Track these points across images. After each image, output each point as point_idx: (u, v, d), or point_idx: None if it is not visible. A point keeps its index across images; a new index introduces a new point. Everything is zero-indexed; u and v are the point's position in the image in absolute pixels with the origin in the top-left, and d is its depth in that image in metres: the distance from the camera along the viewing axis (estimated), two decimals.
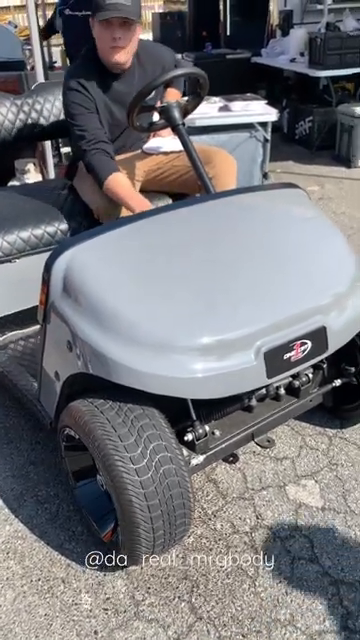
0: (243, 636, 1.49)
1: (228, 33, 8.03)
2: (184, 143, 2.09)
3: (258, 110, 3.93)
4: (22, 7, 17.25)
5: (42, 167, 3.89)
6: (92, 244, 1.65)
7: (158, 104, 2.25)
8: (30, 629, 1.53)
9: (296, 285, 1.62)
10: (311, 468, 2.00)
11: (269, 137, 4.00)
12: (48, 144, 3.62)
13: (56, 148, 3.73)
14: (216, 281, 1.59)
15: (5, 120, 2.60)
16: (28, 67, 4.57)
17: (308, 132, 5.78)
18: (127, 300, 1.52)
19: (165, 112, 2.13)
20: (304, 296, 1.60)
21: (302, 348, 1.55)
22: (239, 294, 1.56)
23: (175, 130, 2.13)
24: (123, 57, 2.18)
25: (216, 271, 1.63)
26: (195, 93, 2.25)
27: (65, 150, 3.90)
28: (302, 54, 5.95)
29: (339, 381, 1.97)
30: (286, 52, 6.18)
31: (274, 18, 7.36)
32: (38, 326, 2.37)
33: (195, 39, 7.69)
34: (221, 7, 7.86)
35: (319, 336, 1.58)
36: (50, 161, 3.69)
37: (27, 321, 2.34)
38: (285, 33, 6.55)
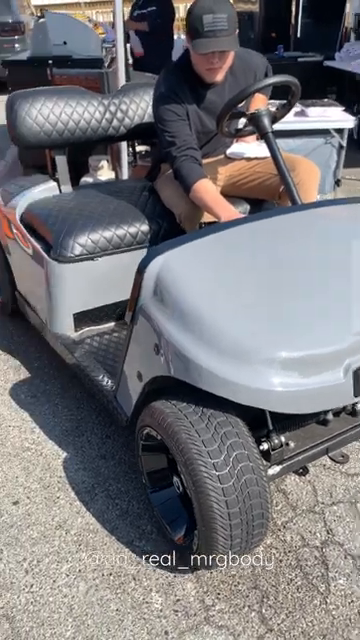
0: None
1: (298, 35, 7.93)
2: (272, 151, 2.08)
3: (335, 116, 3.88)
4: (93, 4, 17.56)
5: (115, 165, 3.95)
6: (185, 250, 1.66)
7: (247, 110, 2.25)
8: (102, 623, 1.56)
9: None
10: None
11: (344, 144, 3.93)
12: (124, 143, 3.67)
13: (131, 146, 3.77)
14: (304, 295, 1.58)
15: (92, 119, 2.65)
16: (105, 64, 4.64)
17: None
18: (217, 308, 1.53)
19: (255, 120, 2.12)
20: None
21: None
22: (329, 310, 1.55)
23: (264, 138, 2.12)
24: (219, 77, 2.21)
25: (304, 285, 1.61)
26: (286, 100, 2.24)
27: (140, 149, 3.94)
28: None
29: None
30: None
31: (349, 21, 7.22)
32: (113, 323, 2.44)
33: (264, 40, 7.63)
34: (293, 8, 7.76)
35: None
36: (125, 160, 3.73)
37: (104, 318, 2.38)
38: None
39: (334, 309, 1.56)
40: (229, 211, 2.04)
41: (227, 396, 1.45)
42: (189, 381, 1.50)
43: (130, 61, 6.48)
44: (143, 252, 2.38)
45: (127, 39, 5.09)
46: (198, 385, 1.48)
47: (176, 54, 5.68)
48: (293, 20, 7.89)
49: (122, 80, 3.53)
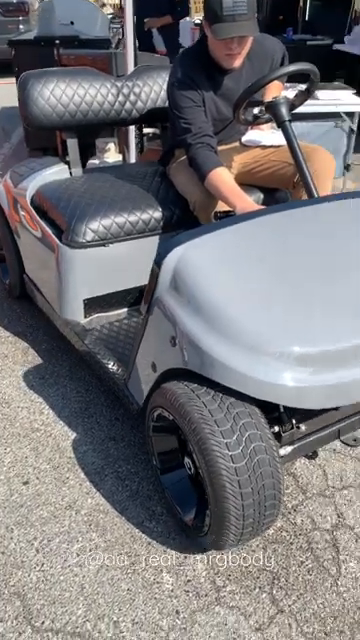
0: (325, 634, 1.48)
1: (307, 18, 7.83)
2: (289, 140, 2.04)
3: (346, 100, 3.82)
4: None
5: (123, 147, 3.91)
6: (202, 242, 1.64)
7: (263, 97, 2.21)
8: (114, 602, 1.56)
9: None
10: None
11: (355, 128, 3.88)
12: (132, 126, 3.62)
13: (139, 128, 3.73)
14: (320, 290, 1.56)
15: (105, 101, 2.61)
16: (113, 45, 4.58)
17: None
18: (233, 301, 1.51)
19: (272, 108, 2.08)
20: None
21: None
22: (344, 305, 1.53)
23: (281, 126, 2.08)
24: (238, 62, 2.17)
25: (320, 279, 1.59)
26: (304, 87, 2.19)
27: (147, 131, 3.90)
28: None
29: None
30: None
31: (359, 4, 7.10)
32: (124, 309, 2.42)
33: (271, 23, 7.51)
34: None
35: None
36: (132, 143, 3.69)
37: (114, 304, 2.37)
38: None
39: (351, 304, 1.54)
40: (245, 201, 2.01)
41: (239, 389, 1.45)
42: (204, 374, 1.49)
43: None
44: (155, 239, 2.36)
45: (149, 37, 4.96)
46: (212, 377, 1.47)
47: (182, 37, 5.59)
48: (301, 3, 7.78)
49: (131, 61, 3.48)
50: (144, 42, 4.68)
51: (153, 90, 2.74)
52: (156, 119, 2.91)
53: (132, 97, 2.67)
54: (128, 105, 2.68)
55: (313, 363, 1.44)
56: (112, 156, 3.99)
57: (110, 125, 2.80)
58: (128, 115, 2.69)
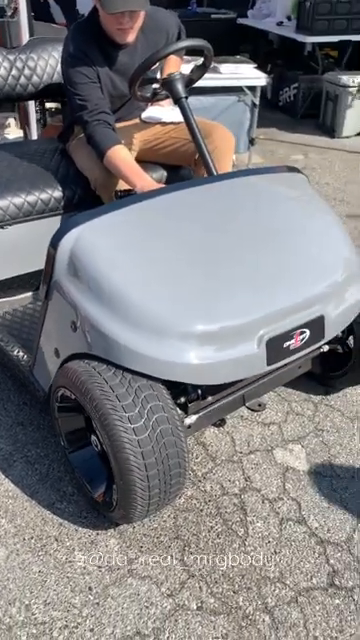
0: (234, 592, 1.54)
1: None
2: (186, 117, 2.03)
3: (248, 74, 3.87)
4: None
5: (24, 123, 3.76)
6: (99, 223, 1.61)
7: (162, 73, 2.18)
8: (25, 585, 1.54)
9: (297, 273, 1.63)
10: (297, 433, 2.04)
11: (257, 102, 3.94)
12: (31, 101, 3.48)
13: (40, 103, 3.59)
14: (221, 267, 1.59)
15: None
16: (8, 13, 4.35)
17: (293, 99, 5.72)
18: (132, 283, 1.51)
19: (168, 85, 2.05)
20: (305, 285, 1.62)
21: (301, 337, 1.58)
22: (244, 282, 1.57)
23: (178, 103, 2.06)
24: (131, 37, 2.11)
25: (220, 257, 1.62)
26: (200, 62, 2.18)
27: (49, 105, 3.77)
28: (289, 18, 5.85)
29: (327, 347, 2.00)
30: (273, 15, 6.06)
31: None
32: (28, 294, 2.35)
33: None
34: None
35: (317, 325, 1.61)
36: (33, 118, 3.56)
37: (18, 289, 2.29)
38: None
39: (251, 280, 1.58)
40: (144, 180, 1.99)
41: (145, 371, 1.46)
42: (109, 358, 1.48)
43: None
44: (56, 220, 2.29)
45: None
46: (117, 361, 1.47)
47: (80, 3, 5.41)
48: None
49: (25, 31, 3.34)
50: (41, 12, 4.49)
51: (49, 64, 2.63)
52: (54, 94, 2.81)
53: (27, 71, 2.56)
54: (23, 80, 2.57)
55: (216, 340, 1.47)
56: (13, 132, 3.83)
57: (5, 101, 2.68)
58: (24, 90, 2.58)
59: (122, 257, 1.57)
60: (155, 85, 2.18)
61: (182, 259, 1.59)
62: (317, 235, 1.78)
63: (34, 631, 1.44)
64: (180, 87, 2.05)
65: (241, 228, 1.74)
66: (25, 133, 3.71)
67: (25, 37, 3.31)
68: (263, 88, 4.61)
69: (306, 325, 1.58)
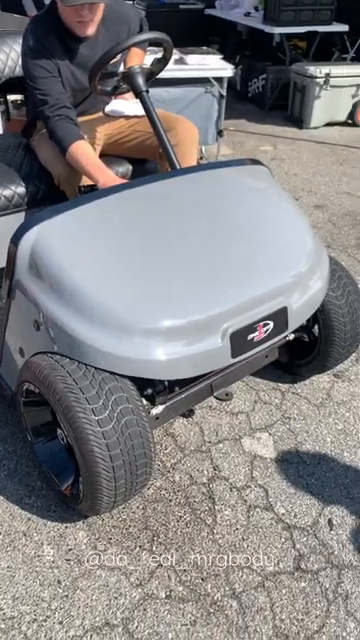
0: (202, 580, 1.56)
1: None
2: (147, 111, 2.02)
3: (214, 65, 3.85)
4: None
5: None
6: (60, 220, 1.60)
7: (121, 68, 2.16)
8: None
9: (260, 266, 1.65)
10: (265, 422, 2.07)
11: (224, 93, 3.94)
12: None
13: (3, 96, 3.53)
14: (183, 262, 1.59)
15: None
16: None
17: (261, 90, 5.73)
18: (96, 280, 1.51)
19: (128, 78, 2.03)
20: (268, 277, 1.63)
21: (265, 329, 1.60)
22: (206, 276, 1.58)
23: (139, 97, 2.04)
24: (91, 30, 2.09)
25: (182, 252, 1.62)
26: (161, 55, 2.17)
27: (13, 98, 3.70)
28: (257, 8, 5.85)
29: (292, 336, 2.02)
30: (241, 5, 6.06)
31: None
32: None
33: None
34: None
35: (280, 316, 1.63)
36: None
37: None
38: None
39: (215, 274, 1.58)
40: (107, 175, 1.97)
41: (111, 369, 1.46)
42: (71, 356, 1.48)
43: None
44: (21, 216, 2.27)
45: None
46: (80, 359, 1.47)
47: None
48: None
49: None
50: (12, 3, 4.41)
51: (10, 57, 2.59)
52: (16, 89, 2.77)
53: None
54: None
55: (180, 335, 1.48)
56: None
57: None
58: None
59: (83, 255, 1.56)
60: (116, 78, 2.17)
61: (144, 255, 1.59)
62: (279, 227, 1.80)
63: (2, 626, 1.44)
64: (141, 80, 2.04)
65: (204, 222, 1.74)
66: None
67: None
68: (231, 79, 4.61)
69: (269, 317, 1.60)
